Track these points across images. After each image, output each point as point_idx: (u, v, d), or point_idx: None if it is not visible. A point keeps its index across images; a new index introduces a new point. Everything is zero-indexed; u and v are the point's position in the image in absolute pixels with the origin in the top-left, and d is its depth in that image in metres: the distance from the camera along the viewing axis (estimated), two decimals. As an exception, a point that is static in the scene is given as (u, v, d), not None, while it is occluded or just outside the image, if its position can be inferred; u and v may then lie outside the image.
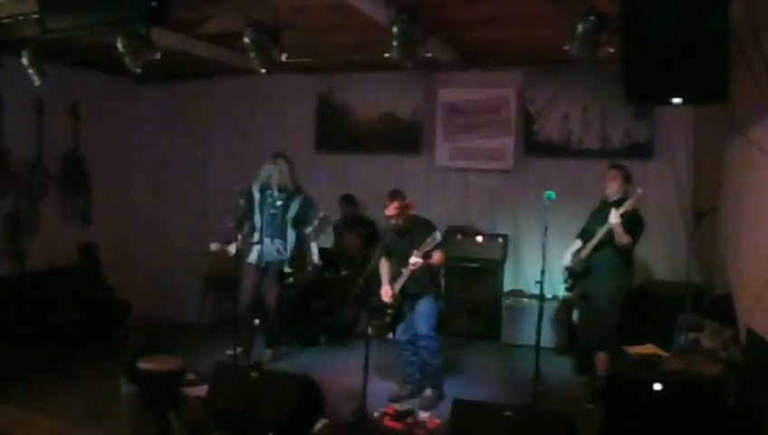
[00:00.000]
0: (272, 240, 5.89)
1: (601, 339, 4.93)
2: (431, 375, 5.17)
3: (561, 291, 5.75)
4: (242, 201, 5.75)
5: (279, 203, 5.87)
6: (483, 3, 4.85)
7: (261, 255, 5.82)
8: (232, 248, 5.74)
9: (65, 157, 7.02)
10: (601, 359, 4.92)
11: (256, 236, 5.87)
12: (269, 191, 5.88)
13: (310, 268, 6.24)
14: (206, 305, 7.47)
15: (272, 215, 5.89)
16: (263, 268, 5.89)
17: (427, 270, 5.00)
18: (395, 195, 5.06)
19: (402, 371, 5.35)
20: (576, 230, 5.38)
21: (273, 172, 5.84)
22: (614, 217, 4.75)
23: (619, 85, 3.70)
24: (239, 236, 5.60)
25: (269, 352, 6.06)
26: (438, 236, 4.89)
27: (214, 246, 6.04)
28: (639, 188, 4.86)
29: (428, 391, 5.12)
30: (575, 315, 5.80)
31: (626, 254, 4.98)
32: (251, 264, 5.91)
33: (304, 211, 5.99)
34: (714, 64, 3.32)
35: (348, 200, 7.12)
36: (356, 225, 7.08)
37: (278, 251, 5.92)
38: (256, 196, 5.93)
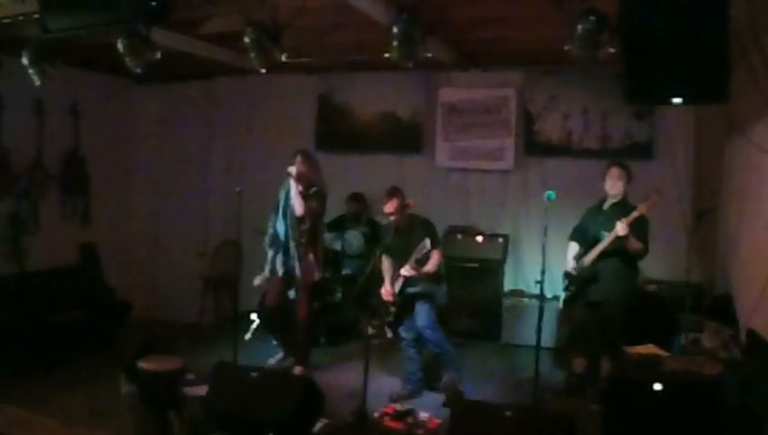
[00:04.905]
0: (297, 246, 5.45)
1: (612, 344, 4.85)
2: (447, 363, 5.20)
3: (560, 293, 5.72)
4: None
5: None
6: (483, 3, 4.84)
7: (286, 263, 5.44)
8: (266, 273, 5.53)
9: (65, 157, 7.01)
10: (607, 362, 4.90)
11: (280, 243, 5.47)
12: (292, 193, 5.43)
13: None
14: (206, 305, 7.46)
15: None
16: (287, 278, 5.51)
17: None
18: (393, 192, 5.03)
19: (403, 370, 5.35)
20: (576, 230, 5.36)
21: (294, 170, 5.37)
22: (621, 228, 4.63)
23: (619, 85, 3.70)
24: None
25: (300, 368, 5.49)
26: (428, 244, 4.84)
27: (258, 281, 5.67)
28: (658, 192, 4.76)
29: (446, 377, 5.16)
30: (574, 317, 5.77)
31: (634, 259, 4.91)
32: (275, 275, 5.53)
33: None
34: (714, 64, 3.32)
35: (355, 199, 7.12)
36: (358, 224, 7.09)
37: (301, 259, 5.46)
38: (281, 199, 5.51)
